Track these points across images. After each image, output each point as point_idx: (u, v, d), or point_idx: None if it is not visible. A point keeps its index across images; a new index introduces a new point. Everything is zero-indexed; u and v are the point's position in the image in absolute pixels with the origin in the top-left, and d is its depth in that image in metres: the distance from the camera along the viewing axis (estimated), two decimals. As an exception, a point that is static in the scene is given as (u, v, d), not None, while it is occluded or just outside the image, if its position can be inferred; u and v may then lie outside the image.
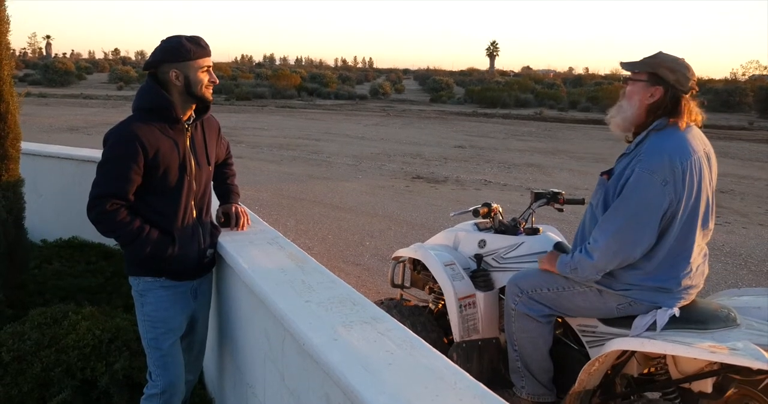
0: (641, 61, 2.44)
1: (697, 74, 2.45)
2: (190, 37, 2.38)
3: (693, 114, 2.40)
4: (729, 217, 8.75)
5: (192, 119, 2.49)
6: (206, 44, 2.41)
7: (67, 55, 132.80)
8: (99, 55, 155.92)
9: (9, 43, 3.86)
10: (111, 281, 4.41)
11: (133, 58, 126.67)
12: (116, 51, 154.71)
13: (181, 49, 2.34)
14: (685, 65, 2.40)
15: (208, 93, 2.43)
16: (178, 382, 2.58)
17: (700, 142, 2.42)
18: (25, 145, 4.11)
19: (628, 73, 2.48)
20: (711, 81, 51.78)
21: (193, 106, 2.47)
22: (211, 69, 2.43)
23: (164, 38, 2.40)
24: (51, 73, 42.15)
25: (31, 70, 51.91)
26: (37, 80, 42.35)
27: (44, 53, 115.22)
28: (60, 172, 5.49)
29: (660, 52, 2.44)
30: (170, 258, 2.44)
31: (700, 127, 2.49)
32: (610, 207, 2.40)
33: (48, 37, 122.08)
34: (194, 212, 2.52)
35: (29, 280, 4.20)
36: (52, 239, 5.26)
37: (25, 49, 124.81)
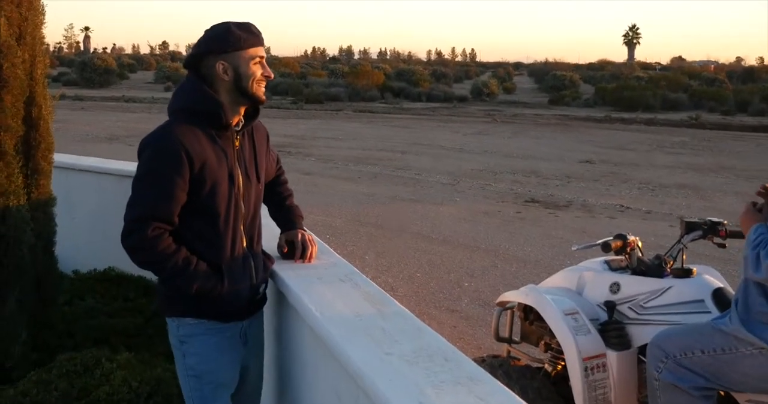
0: None
1: None
2: (240, 23, 2.44)
3: None
4: None
5: (241, 125, 2.53)
6: (258, 31, 2.45)
7: (108, 50, 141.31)
8: (144, 50, 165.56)
9: (43, 37, 4.13)
10: (152, 322, 4.59)
11: (184, 53, 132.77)
12: (164, 44, 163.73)
13: (230, 37, 2.38)
14: None
15: (261, 90, 2.47)
16: None
17: None
18: (57, 157, 4.36)
19: None
20: None
21: (243, 109, 2.51)
22: (264, 61, 2.47)
23: (209, 26, 2.46)
24: (89, 71, 45.24)
25: (67, 68, 55.76)
26: (72, 80, 45.48)
27: (82, 48, 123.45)
28: (97, 188, 5.79)
29: None
30: (218, 298, 2.45)
31: None
32: None
33: (86, 29, 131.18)
34: (244, 240, 2.55)
35: (58, 319, 4.42)
36: (86, 270, 5.55)
37: (60, 43, 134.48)
